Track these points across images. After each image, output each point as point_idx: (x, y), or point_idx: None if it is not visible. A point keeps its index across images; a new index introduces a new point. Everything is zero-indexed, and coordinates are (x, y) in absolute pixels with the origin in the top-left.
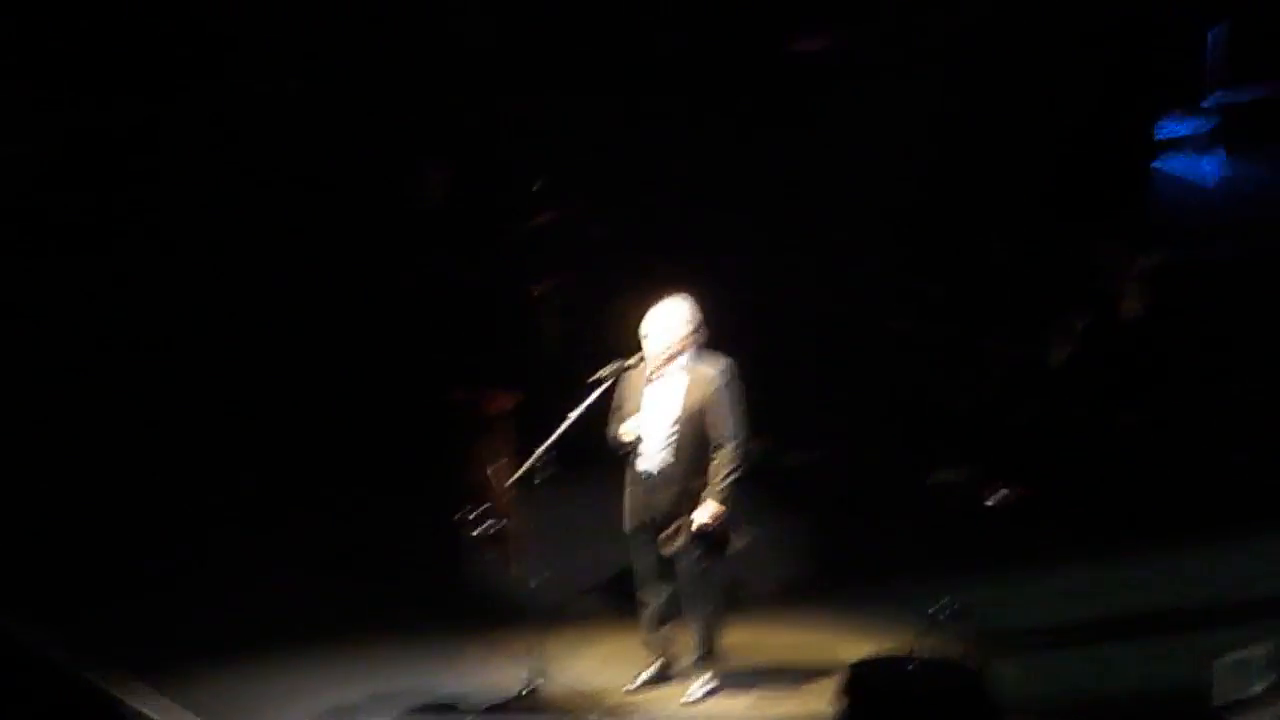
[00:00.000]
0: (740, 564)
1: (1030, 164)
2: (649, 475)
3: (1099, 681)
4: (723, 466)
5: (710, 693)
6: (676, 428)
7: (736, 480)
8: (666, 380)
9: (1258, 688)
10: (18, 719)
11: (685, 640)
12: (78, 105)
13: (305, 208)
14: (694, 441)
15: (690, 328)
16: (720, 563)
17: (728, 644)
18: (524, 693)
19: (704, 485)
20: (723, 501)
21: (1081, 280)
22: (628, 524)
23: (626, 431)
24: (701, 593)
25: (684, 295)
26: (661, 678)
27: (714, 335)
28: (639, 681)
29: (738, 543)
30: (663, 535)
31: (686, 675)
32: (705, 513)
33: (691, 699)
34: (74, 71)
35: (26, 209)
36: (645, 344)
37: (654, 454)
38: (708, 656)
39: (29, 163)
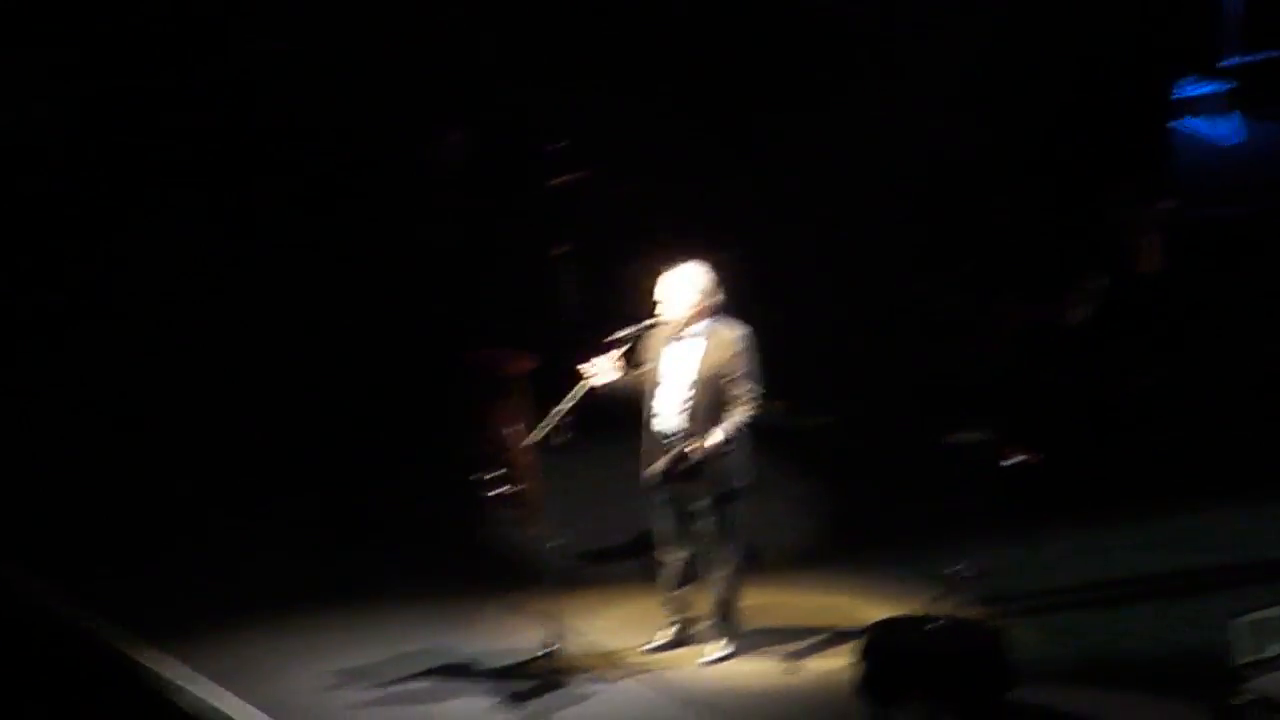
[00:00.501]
0: (759, 527)
1: (1048, 125)
2: (665, 437)
3: (1116, 643)
4: (736, 411)
5: (727, 656)
6: (693, 391)
7: (747, 424)
8: (684, 344)
9: (1274, 649)
10: (37, 681)
11: (703, 602)
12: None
13: (327, 169)
14: (709, 405)
15: (705, 294)
16: (738, 524)
17: (747, 607)
18: (542, 655)
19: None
20: (727, 437)
21: (1099, 241)
22: (644, 484)
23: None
24: (720, 555)
25: (699, 261)
26: (680, 639)
27: (734, 301)
28: (656, 643)
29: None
30: (666, 461)
31: (704, 637)
32: (707, 440)
33: (708, 660)
34: (82, 41)
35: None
36: (661, 308)
37: (670, 416)
38: (725, 619)
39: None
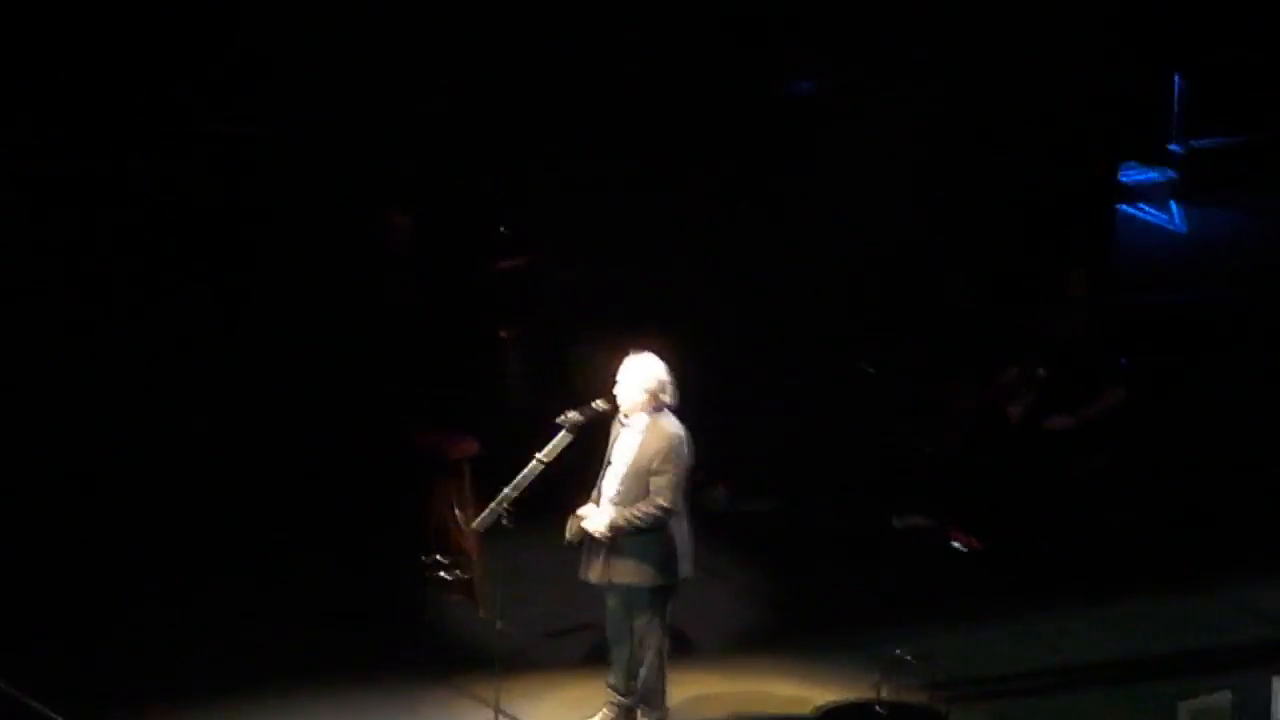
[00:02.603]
0: (700, 614)
1: (996, 209)
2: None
3: None
4: (640, 507)
5: None
6: (623, 483)
7: (640, 529)
8: (628, 434)
9: None
10: None
11: (633, 689)
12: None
13: (270, 247)
14: (637, 495)
15: (654, 389)
16: (664, 616)
17: (690, 695)
18: None
19: (641, 541)
20: (615, 526)
21: (1044, 326)
22: (582, 573)
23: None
24: (644, 638)
25: (653, 354)
26: None
27: (677, 385)
28: None
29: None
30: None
31: None
32: (593, 522)
33: None
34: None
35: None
36: (617, 391)
37: (605, 506)
38: (651, 704)
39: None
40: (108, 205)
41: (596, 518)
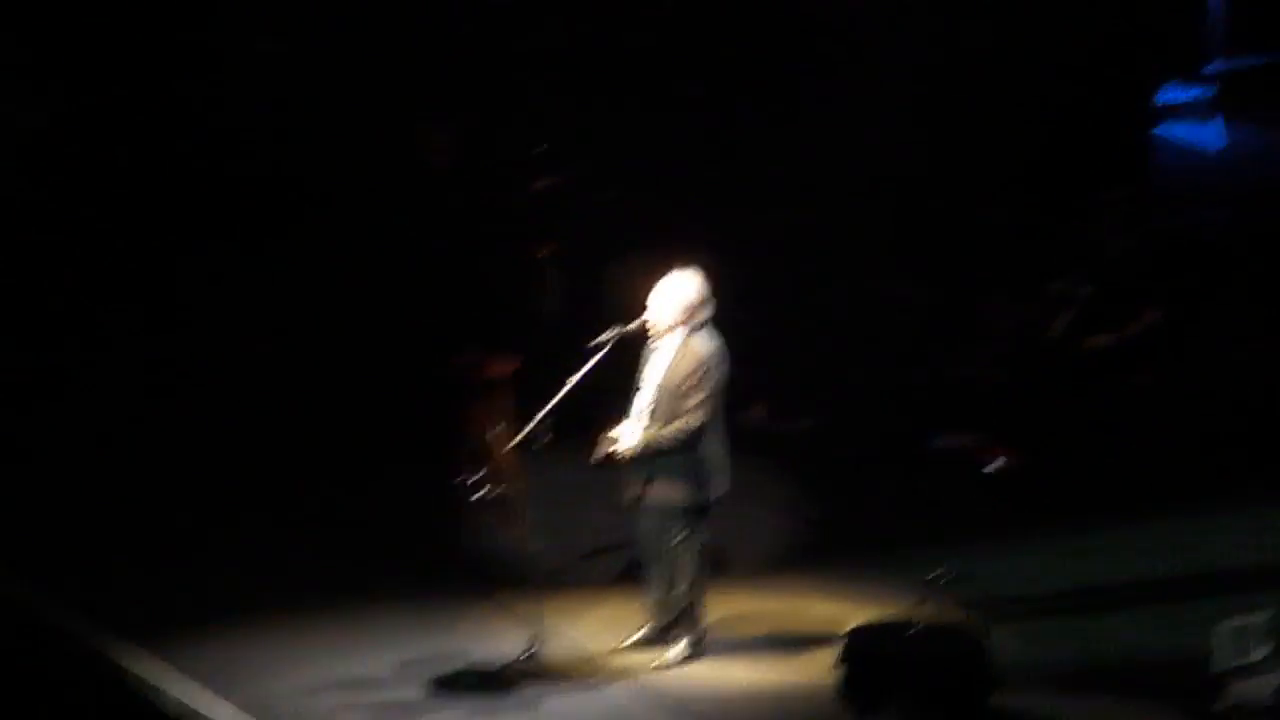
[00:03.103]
0: (738, 533)
1: (1031, 130)
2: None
3: (1098, 648)
4: (672, 428)
5: (686, 659)
6: (656, 398)
7: (671, 449)
8: (662, 351)
9: (1257, 655)
10: (17, 682)
11: (670, 606)
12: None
13: (311, 170)
14: (668, 414)
15: (691, 304)
16: (699, 528)
17: (726, 613)
18: (523, 657)
19: (675, 460)
20: (647, 447)
21: (1082, 246)
22: (625, 498)
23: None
24: (679, 557)
25: (690, 270)
26: (654, 640)
27: (716, 303)
28: (628, 642)
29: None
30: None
31: (668, 641)
32: (624, 443)
33: (664, 665)
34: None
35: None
36: (649, 312)
37: (637, 426)
38: (686, 624)
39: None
40: (145, 128)
41: (627, 439)
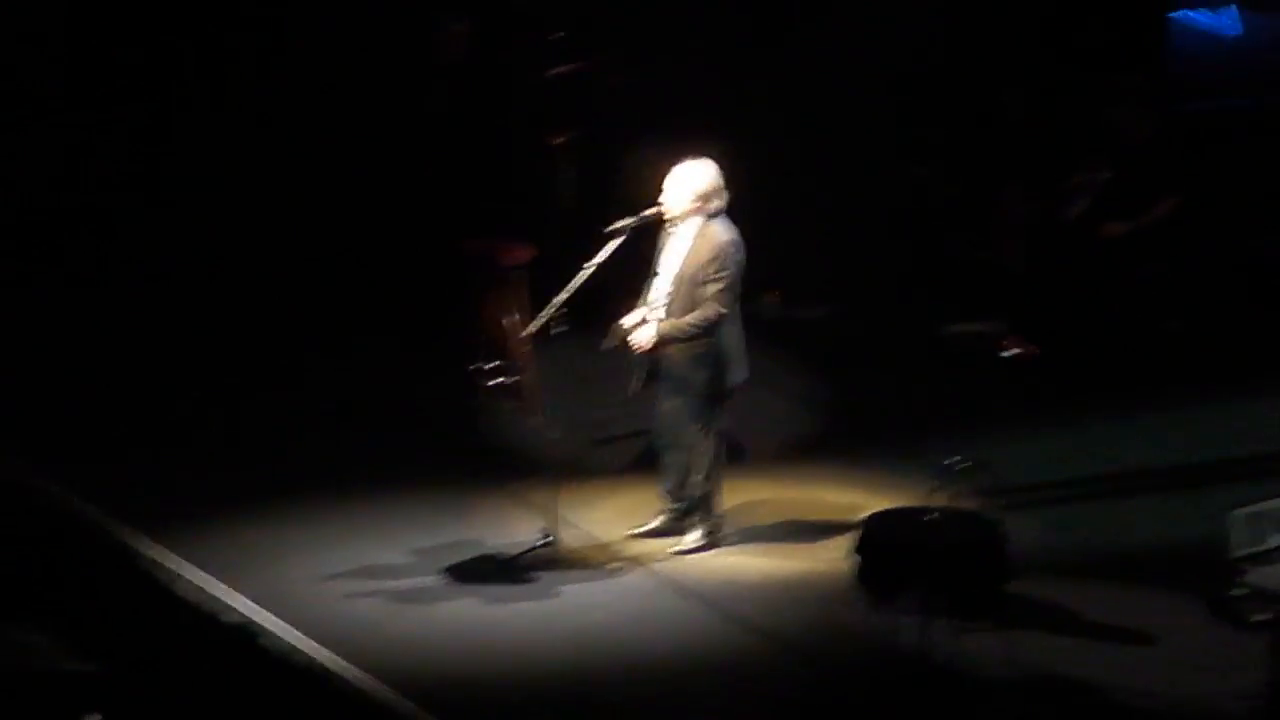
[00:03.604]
0: (754, 421)
1: (1049, 16)
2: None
3: (1114, 535)
4: (691, 318)
5: (702, 547)
6: (673, 286)
7: (690, 338)
8: (677, 239)
9: (1273, 541)
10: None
11: (686, 492)
12: None
13: (321, 60)
14: (686, 303)
15: (702, 194)
16: (716, 417)
17: (742, 501)
18: (539, 545)
19: (695, 347)
20: (665, 337)
21: (1100, 133)
22: (631, 389)
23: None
24: (695, 445)
25: (705, 158)
26: (669, 529)
27: (731, 191)
28: (643, 530)
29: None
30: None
31: (683, 528)
32: (641, 334)
33: (680, 550)
34: None
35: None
36: (664, 200)
37: (657, 309)
38: (702, 511)
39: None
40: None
41: (644, 330)
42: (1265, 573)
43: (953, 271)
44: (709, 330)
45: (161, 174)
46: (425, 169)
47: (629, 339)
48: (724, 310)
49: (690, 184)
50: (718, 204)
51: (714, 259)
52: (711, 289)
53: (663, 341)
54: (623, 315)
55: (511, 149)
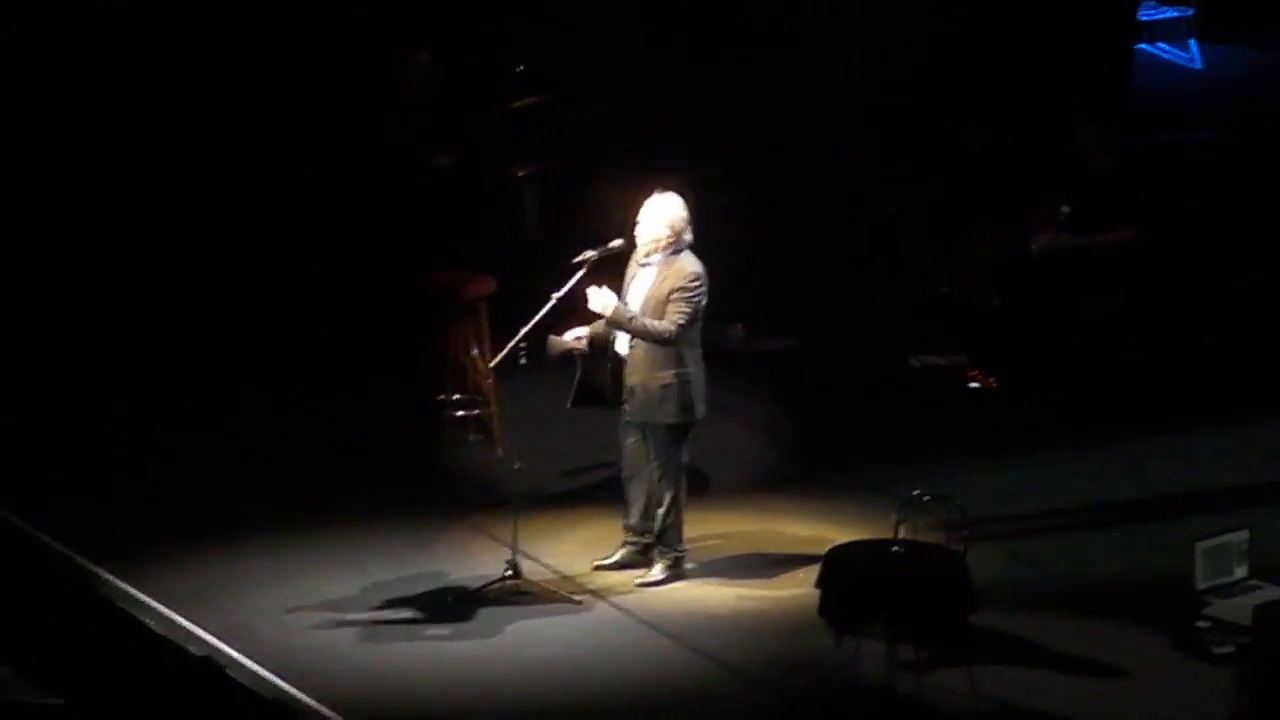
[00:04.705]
0: (717, 453)
1: (1014, 49)
2: (618, 358)
3: (1079, 567)
4: (648, 320)
5: (667, 579)
6: (641, 310)
7: (644, 337)
8: (646, 272)
9: (1237, 573)
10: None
11: (651, 525)
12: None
13: (286, 95)
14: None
15: (675, 226)
16: (681, 454)
17: (706, 533)
18: (503, 578)
19: (661, 379)
20: (617, 318)
21: (1064, 165)
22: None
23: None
24: (660, 477)
25: (670, 194)
26: (632, 561)
27: (697, 224)
28: (607, 563)
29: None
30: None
31: (649, 560)
32: (599, 296)
33: (644, 583)
34: None
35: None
36: (636, 232)
37: (624, 340)
38: (666, 543)
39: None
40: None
41: (603, 295)
42: (1228, 605)
43: (917, 304)
44: (662, 340)
45: (127, 204)
46: (388, 201)
47: (590, 306)
48: (678, 330)
49: (661, 218)
50: (687, 237)
51: (681, 288)
52: (673, 312)
53: (612, 322)
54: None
55: (475, 181)
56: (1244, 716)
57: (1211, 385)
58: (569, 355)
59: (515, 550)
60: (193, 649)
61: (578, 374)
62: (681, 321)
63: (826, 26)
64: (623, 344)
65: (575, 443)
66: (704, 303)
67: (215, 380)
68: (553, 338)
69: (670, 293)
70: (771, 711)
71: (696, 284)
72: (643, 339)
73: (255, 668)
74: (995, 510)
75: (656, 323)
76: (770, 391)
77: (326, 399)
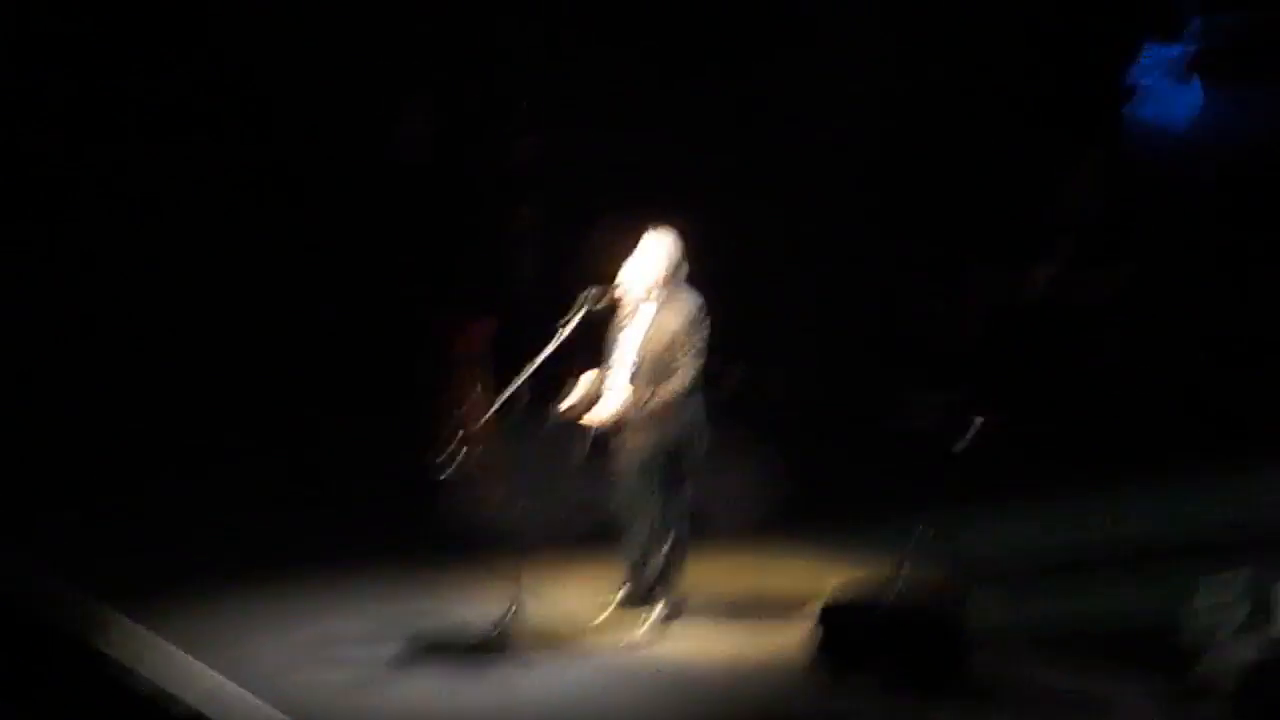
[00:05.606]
0: (714, 494)
1: (1011, 92)
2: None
3: (1075, 612)
4: (662, 390)
5: (667, 620)
6: (640, 356)
7: (665, 403)
8: (645, 311)
9: (1233, 621)
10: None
11: (649, 571)
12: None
13: (284, 145)
14: (653, 373)
15: (672, 263)
16: (679, 490)
17: (706, 574)
18: (503, 622)
19: (659, 420)
20: (634, 405)
21: (1059, 207)
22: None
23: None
24: (659, 519)
25: (666, 231)
26: (633, 606)
27: (694, 264)
28: (609, 603)
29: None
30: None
31: (646, 605)
32: (598, 411)
33: (644, 627)
34: None
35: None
36: (629, 273)
37: (620, 383)
38: (665, 588)
39: None
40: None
41: (601, 408)
42: (1225, 652)
43: (916, 344)
44: (677, 398)
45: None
46: (390, 244)
47: (587, 418)
48: (691, 381)
49: (658, 256)
50: (682, 275)
51: (684, 327)
52: (683, 357)
53: (634, 410)
54: (568, 392)
55: (474, 224)
56: None
57: (1211, 430)
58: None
59: (518, 591)
60: (196, 689)
61: (585, 434)
62: (692, 373)
63: (821, 73)
64: (620, 380)
65: (576, 485)
66: (704, 340)
67: (218, 423)
68: (554, 409)
69: (675, 331)
70: None
71: (696, 324)
72: (667, 404)
73: (260, 707)
74: (994, 553)
75: (670, 383)
76: (767, 432)
77: (329, 440)
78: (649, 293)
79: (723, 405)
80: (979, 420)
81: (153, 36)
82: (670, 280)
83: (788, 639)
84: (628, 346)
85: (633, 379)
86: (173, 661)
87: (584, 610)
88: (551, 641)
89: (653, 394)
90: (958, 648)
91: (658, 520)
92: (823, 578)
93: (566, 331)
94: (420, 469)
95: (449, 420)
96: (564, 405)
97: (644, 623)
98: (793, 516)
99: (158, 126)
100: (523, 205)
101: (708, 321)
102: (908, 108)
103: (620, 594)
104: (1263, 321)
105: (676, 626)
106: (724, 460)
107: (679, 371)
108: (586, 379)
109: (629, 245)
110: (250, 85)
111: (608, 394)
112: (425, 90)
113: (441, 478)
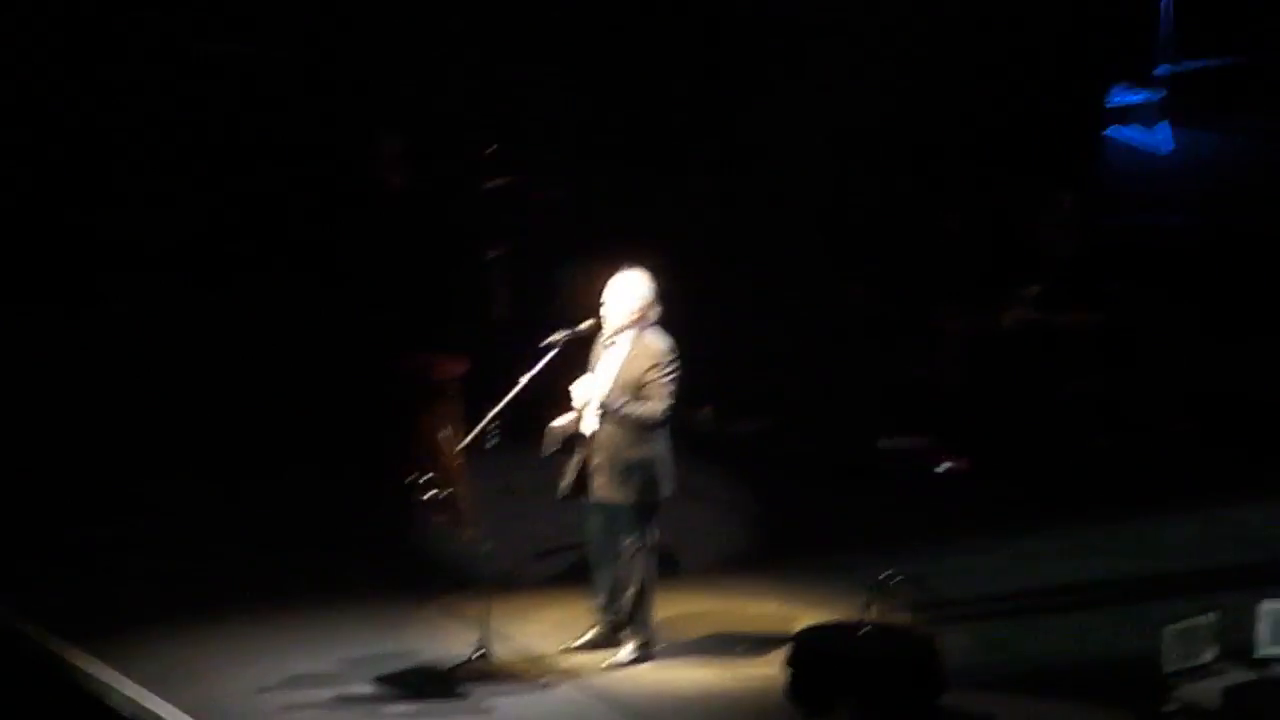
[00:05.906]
0: (687, 533)
1: (981, 133)
2: (587, 440)
3: (1047, 650)
4: (642, 404)
5: (636, 660)
6: (612, 394)
7: (635, 423)
8: (616, 349)
9: (1206, 656)
10: None
11: (621, 606)
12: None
13: (257, 178)
14: (623, 411)
15: (642, 303)
16: (654, 533)
17: (675, 614)
18: (472, 659)
19: (628, 458)
20: (609, 406)
21: (1032, 249)
22: (562, 489)
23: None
24: (635, 561)
25: (641, 270)
26: (602, 642)
27: (666, 304)
28: (577, 643)
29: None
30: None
31: (618, 641)
32: (582, 389)
33: (614, 664)
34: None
35: None
36: (603, 312)
37: (593, 419)
38: (637, 624)
39: None
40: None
41: (587, 420)
42: (1198, 688)
43: (887, 386)
44: (651, 425)
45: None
46: (362, 281)
47: (572, 389)
48: (667, 409)
49: (629, 296)
50: (654, 315)
51: (655, 365)
52: (656, 389)
53: (612, 416)
54: (554, 418)
55: (446, 263)
56: None
57: (1179, 470)
58: (569, 442)
59: (486, 630)
60: None
61: (575, 460)
62: (670, 401)
63: (799, 110)
64: (589, 423)
65: (545, 524)
66: (675, 379)
67: (188, 462)
68: (551, 427)
69: (645, 371)
70: None
71: (671, 361)
72: (634, 423)
73: None
74: (964, 592)
75: (645, 405)
76: (740, 473)
77: (298, 480)
78: (620, 331)
79: (695, 447)
80: (950, 460)
81: (128, 69)
82: (640, 319)
83: (760, 676)
84: (603, 379)
85: (602, 420)
86: (138, 699)
87: (552, 648)
88: (519, 681)
89: (623, 418)
90: (929, 685)
91: (627, 559)
92: (795, 615)
93: (537, 369)
94: (390, 506)
95: (419, 458)
96: (559, 423)
97: (613, 662)
98: (764, 554)
99: (131, 157)
100: (496, 243)
101: (678, 363)
102: (881, 150)
103: (591, 633)
104: (1235, 363)
105: (645, 667)
106: (696, 501)
107: (655, 398)
108: (578, 388)
109: (601, 284)
110: (226, 120)
111: (587, 422)
112: (398, 128)
113: (414, 514)
